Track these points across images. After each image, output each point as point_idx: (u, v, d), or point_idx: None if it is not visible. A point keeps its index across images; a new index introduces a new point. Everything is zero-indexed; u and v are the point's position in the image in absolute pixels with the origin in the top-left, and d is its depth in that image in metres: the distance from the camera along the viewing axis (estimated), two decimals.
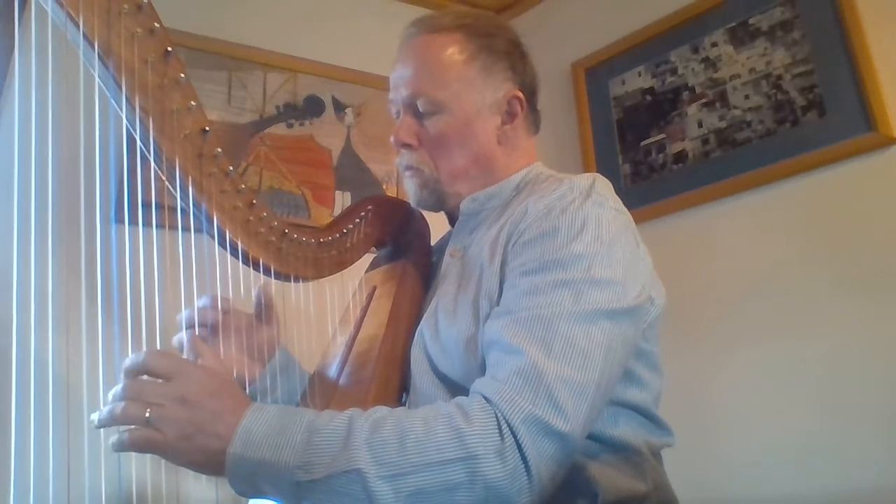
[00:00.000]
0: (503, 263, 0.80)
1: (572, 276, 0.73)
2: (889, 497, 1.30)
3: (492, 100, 0.93)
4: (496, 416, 0.65)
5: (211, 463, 0.65)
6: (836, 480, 1.38)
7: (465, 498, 0.64)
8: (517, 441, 0.64)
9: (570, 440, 0.67)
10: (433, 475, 0.63)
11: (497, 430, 0.65)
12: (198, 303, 0.91)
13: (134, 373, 0.67)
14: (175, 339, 0.89)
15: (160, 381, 0.67)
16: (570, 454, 0.68)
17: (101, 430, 0.67)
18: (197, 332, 0.87)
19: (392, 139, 0.95)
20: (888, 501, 1.31)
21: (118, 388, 0.66)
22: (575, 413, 0.67)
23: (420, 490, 0.63)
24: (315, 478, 0.63)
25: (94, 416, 0.65)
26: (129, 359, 0.68)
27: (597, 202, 0.79)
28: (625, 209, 0.84)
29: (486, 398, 0.67)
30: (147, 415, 0.64)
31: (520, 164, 0.96)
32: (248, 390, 0.90)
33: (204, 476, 0.69)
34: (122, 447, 0.64)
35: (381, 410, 0.69)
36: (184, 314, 0.90)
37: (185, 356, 0.84)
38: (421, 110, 0.92)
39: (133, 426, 0.64)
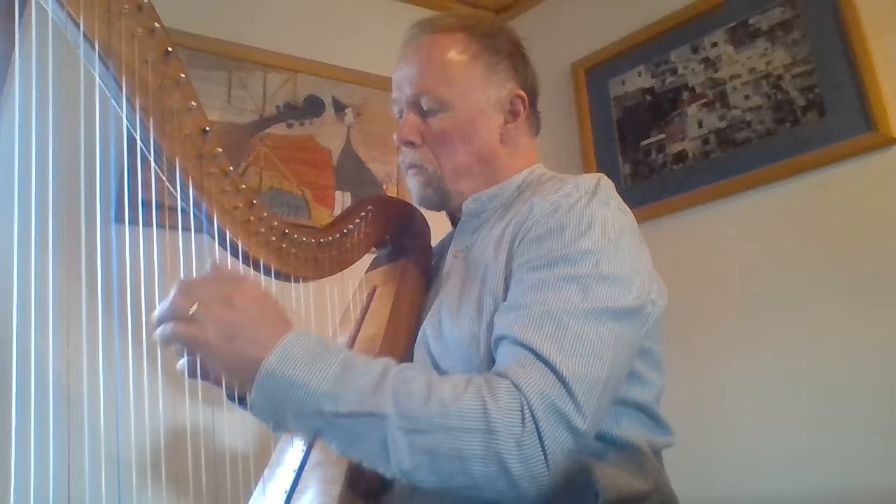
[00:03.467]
0: (508, 261, 0.80)
1: (580, 271, 0.74)
2: (888, 498, 1.30)
3: (495, 98, 0.94)
4: (521, 401, 0.65)
5: (243, 371, 0.66)
6: (835, 481, 1.38)
7: (478, 471, 0.63)
8: (538, 428, 0.64)
9: (584, 435, 0.67)
10: (449, 439, 0.63)
11: (520, 414, 0.65)
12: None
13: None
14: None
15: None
16: (581, 449, 0.69)
17: (101, 431, 0.67)
18: None
19: (395, 137, 0.95)
20: (887, 502, 1.31)
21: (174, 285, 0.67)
22: (588, 408, 0.67)
23: (433, 449, 0.63)
24: (339, 411, 0.64)
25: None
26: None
27: (602, 201, 0.80)
28: (628, 210, 0.85)
29: (513, 383, 0.67)
30: (192, 310, 0.65)
31: (521, 165, 0.97)
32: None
33: (203, 478, 0.69)
34: (164, 340, 0.65)
35: (416, 367, 0.70)
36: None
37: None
38: (425, 108, 0.93)
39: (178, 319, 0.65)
